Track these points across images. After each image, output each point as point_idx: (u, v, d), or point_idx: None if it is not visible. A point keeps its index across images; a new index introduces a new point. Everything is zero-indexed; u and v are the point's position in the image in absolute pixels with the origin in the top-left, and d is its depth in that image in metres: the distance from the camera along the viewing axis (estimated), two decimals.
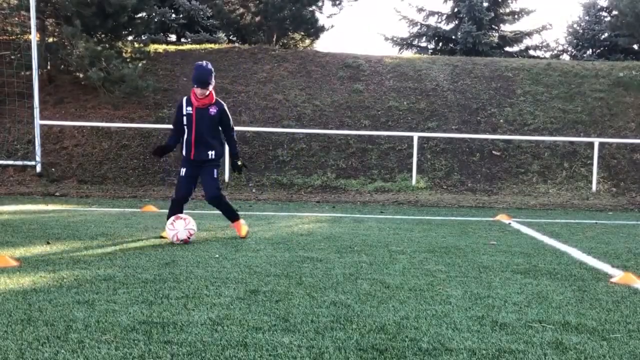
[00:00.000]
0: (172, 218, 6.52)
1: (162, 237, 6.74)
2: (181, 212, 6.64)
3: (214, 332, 3.39)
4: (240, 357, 3.03)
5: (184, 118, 6.48)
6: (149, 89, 15.53)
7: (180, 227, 6.42)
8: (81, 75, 15.60)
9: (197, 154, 6.52)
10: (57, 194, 12.52)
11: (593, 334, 3.56)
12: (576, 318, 3.87)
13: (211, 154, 6.56)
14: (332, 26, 34.37)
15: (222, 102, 6.71)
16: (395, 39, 27.00)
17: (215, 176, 6.64)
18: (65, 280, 4.56)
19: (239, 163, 6.85)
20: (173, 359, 2.98)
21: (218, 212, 9.69)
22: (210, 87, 6.45)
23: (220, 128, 6.66)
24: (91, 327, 3.43)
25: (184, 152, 6.59)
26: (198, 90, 6.39)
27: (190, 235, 6.49)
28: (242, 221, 7.02)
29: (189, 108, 6.47)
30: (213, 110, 6.50)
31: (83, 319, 3.57)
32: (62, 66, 15.89)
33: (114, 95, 15.29)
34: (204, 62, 6.52)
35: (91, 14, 14.98)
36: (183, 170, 6.62)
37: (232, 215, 6.94)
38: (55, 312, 3.71)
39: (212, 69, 6.48)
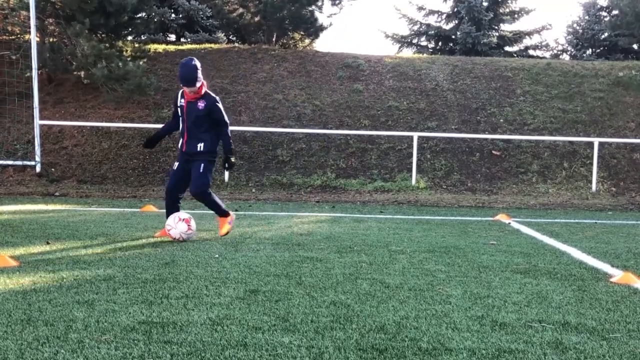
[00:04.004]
0: (172, 218, 6.59)
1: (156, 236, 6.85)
2: (176, 207, 6.75)
3: (214, 332, 3.39)
4: (240, 357, 3.03)
5: (179, 110, 6.65)
6: (152, 86, 15.51)
7: (177, 234, 6.54)
8: (83, 74, 15.61)
9: (187, 146, 6.61)
10: (57, 194, 12.52)
11: (593, 333, 3.56)
12: (576, 318, 3.87)
13: (200, 146, 6.57)
14: (331, 25, 34.38)
15: (214, 96, 6.65)
16: (395, 36, 27.01)
17: (202, 171, 6.57)
18: (65, 280, 4.56)
19: (232, 160, 6.75)
20: (173, 359, 2.98)
21: None
22: (198, 84, 6.41)
23: (214, 124, 6.63)
24: (91, 327, 3.43)
25: (179, 145, 6.73)
26: (186, 89, 6.48)
27: (190, 228, 6.56)
28: (229, 219, 6.88)
29: (182, 100, 6.59)
30: (201, 104, 6.50)
31: (83, 319, 3.57)
32: (63, 66, 15.89)
33: (117, 93, 15.28)
34: (188, 60, 6.44)
35: (93, 12, 14.98)
36: (175, 164, 6.78)
37: (219, 211, 6.85)
38: (55, 312, 3.71)
39: (197, 64, 6.40)
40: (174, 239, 6.53)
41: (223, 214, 6.88)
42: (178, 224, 6.50)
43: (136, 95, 15.66)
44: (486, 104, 16.72)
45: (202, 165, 6.59)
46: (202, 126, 6.56)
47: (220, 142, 6.78)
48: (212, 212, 7.15)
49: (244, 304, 3.99)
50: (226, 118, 6.70)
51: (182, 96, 6.61)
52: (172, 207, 6.77)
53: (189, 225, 6.53)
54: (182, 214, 6.64)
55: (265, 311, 3.83)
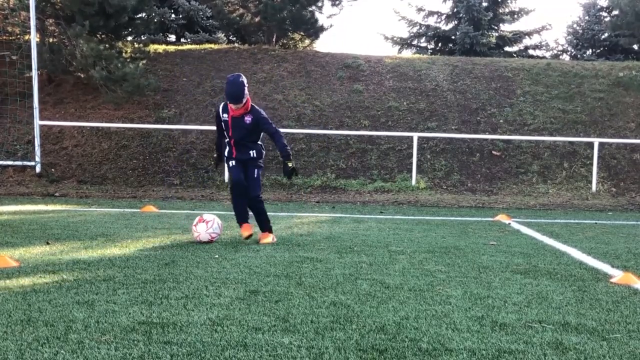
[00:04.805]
0: (196, 219, 6.66)
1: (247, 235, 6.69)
2: (246, 197, 6.59)
3: (214, 333, 3.39)
4: (240, 357, 3.03)
5: (222, 124, 6.63)
6: (150, 87, 15.52)
7: (202, 230, 6.53)
8: (83, 75, 15.59)
9: (238, 154, 6.64)
10: (57, 194, 12.51)
11: (593, 334, 3.56)
12: (576, 318, 3.87)
13: (252, 153, 6.64)
14: (332, 26, 34.31)
15: (259, 110, 6.63)
16: (395, 38, 26.98)
17: (256, 176, 6.66)
18: (65, 280, 4.56)
19: (290, 165, 6.50)
20: (173, 359, 2.98)
21: (217, 212, 9.71)
22: (244, 100, 6.42)
23: (260, 133, 6.70)
24: (91, 327, 3.43)
25: (226, 152, 6.74)
26: (232, 106, 6.45)
27: (213, 238, 6.57)
28: (271, 235, 6.78)
29: (225, 115, 6.57)
30: (248, 118, 6.50)
31: (83, 320, 3.57)
32: (63, 66, 15.89)
33: (116, 94, 15.28)
34: (235, 76, 6.42)
35: (93, 13, 14.98)
36: (231, 162, 6.69)
37: (263, 224, 6.78)
38: (55, 312, 3.71)
39: (244, 81, 6.40)
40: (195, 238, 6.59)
41: (269, 228, 6.78)
42: (203, 235, 6.53)
43: (135, 96, 15.66)
44: (486, 104, 16.71)
45: (256, 171, 6.66)
46: (250, 138, 6.61)
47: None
48: (210, 212, 7.13)
49: (244, 305, 3.98)
50: (274, 127, 6.66)
51: (225, 110, 6.56)
52: (244, 197, 6.61)
53: (212, 239, 6.56)
54: (214, 226, 6.60)
55: (265, 312, 3.83)
